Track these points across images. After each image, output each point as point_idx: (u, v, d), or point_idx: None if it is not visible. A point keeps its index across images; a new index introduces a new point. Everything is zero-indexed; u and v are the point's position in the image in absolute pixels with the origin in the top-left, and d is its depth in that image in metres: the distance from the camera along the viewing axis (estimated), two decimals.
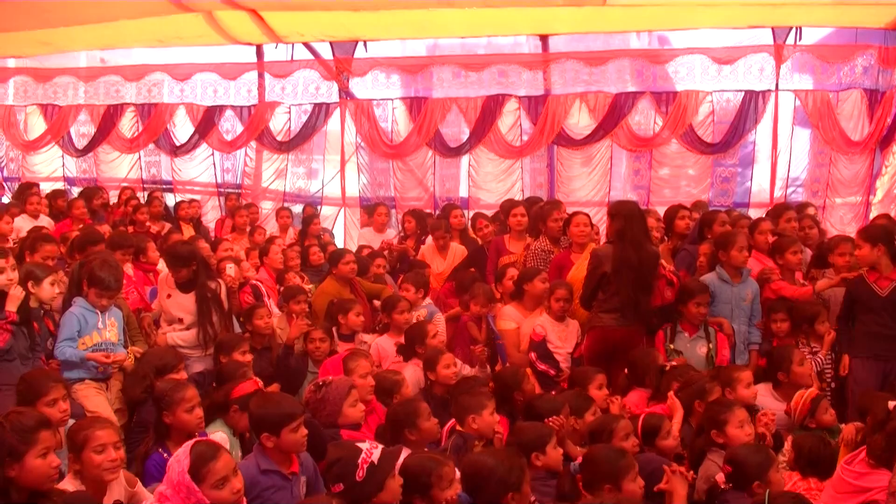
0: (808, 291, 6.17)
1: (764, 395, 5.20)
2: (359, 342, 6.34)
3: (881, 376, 5.61)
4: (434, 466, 3.56)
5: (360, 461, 3.46)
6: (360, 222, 11.77)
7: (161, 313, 6.19)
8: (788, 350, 5.40)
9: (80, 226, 8.78)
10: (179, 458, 3.24)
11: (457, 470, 3.65)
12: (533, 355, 6.21)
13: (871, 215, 9.82)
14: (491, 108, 11.46)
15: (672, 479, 3.67)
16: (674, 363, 5.39)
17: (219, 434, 4.29)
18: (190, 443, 3.32)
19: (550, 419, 4.26)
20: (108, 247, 6.59)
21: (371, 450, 3.52)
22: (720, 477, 3.83)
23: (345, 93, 12.09)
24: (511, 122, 11.54)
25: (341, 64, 11.87)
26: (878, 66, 10.51)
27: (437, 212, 10.60)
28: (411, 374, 5.58)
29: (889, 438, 3.84)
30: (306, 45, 12.01)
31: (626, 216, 6.09)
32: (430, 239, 8.85)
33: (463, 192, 11.82)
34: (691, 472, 3.81)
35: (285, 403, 3.84)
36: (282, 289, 7.48)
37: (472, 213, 10.05)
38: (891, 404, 4.26)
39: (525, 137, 11.50)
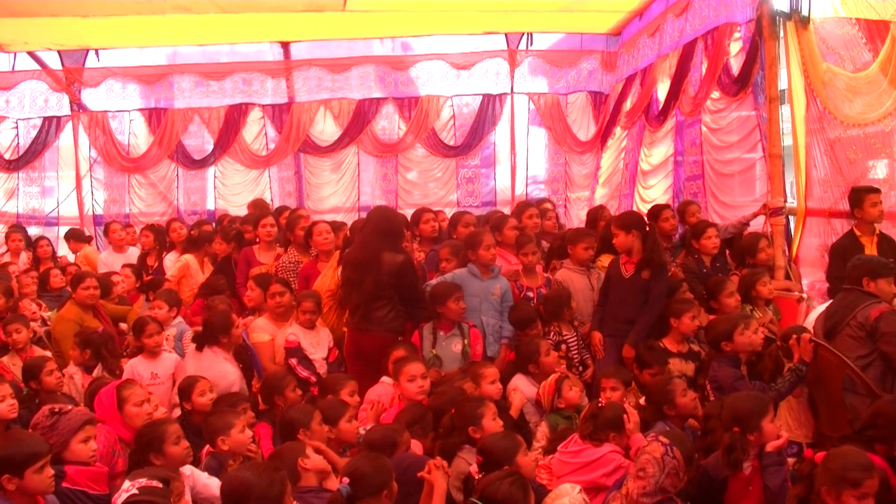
0: None
1: (517, 380, 5.42)
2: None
3: (619, 351, 5.95)
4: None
5: None
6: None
7: None
8: (535, 343, 5.62)
9: None
10: None
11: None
12: (293, 361, 6.03)
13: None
14: (234, 117, 11.27)
15: (434, 472, 3.69)
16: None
17: None
18: None
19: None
20: None
21: (123, 492, 3.25)
22: (473, 469, 3.89)
23: (77, 105, 11.44)
24: (256, 130, 11.43)
25: (71, 74, 11.23)
26: (601, 69, 11.30)
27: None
28: None
29: (597, 424, 4.28)
30: (31, 54, 11.26)
31: (369, 219, 6.17)
32: (172, 255, 8.55)
33: (210, 205, 11.52)
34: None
35: (29, 442, 3.55)
36: None
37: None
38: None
39: (271, 146, 11.41)
